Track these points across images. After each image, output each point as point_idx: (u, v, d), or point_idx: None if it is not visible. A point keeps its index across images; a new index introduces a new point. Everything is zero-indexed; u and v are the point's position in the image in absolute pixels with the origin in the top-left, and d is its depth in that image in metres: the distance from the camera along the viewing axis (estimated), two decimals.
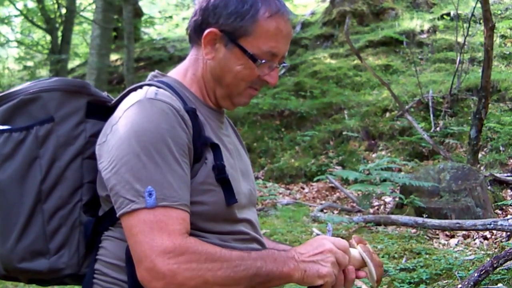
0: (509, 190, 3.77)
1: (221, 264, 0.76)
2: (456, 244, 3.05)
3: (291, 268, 0.80)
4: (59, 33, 9.24)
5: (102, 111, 0.88)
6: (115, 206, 0.78)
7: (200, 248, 0.76)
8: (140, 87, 0.85)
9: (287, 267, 0.79)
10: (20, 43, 10.76)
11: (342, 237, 0.89)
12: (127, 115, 0.80)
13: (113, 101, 0.89)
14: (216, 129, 0.88)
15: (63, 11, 9.35)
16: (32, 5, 10.00)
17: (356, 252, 0.88)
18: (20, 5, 9.87)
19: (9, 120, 0.85)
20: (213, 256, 0.76)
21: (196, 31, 0.88)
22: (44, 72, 10.37)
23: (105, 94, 0.93)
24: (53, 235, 0.83)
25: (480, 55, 5.65)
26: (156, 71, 0.92)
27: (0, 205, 0.82)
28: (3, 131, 0.84)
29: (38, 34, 11.18)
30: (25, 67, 10.47)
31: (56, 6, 9.45)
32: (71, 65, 10.66)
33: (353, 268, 0.85)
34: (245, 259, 0.78)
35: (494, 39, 4.02)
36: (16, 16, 10.15)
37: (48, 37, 9.80)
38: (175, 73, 0.91)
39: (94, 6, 8.23)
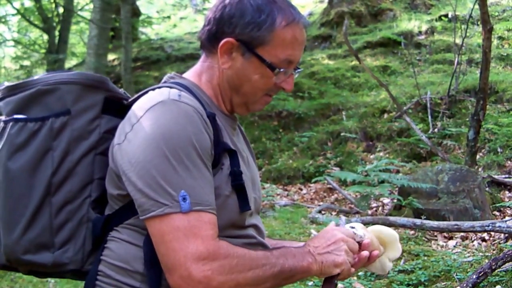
0: (507, 192, 3.78)
1: (250, 265, 0.78)
2: (454, 246, 3.05)
3: (309, 262, 0.83)
4: (57, 33, 9.20)
5: (117, 107, 0.87)
6: (140, 209, 0.77)
7: (231, 251, 0.77)
8: (159, 87, 0.85)
9: (306, 261, 0.83)
10: (17, 42, 10.71)
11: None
12: (150, 116, 0.79)
13: (130, 99, 0.88)
14: (231, 136, 0.89)
15: (61, 10, 9.31)
16: (29, 4, 9.96)
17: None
18: (17, 4, 9.83)
19: (25, 109, 0.84)
20: (243, 259, 0.78)
21: (210, 40, 0.88)
22: (41, 71, 10.32)
23: (121, 90, 0.92)
24: (60, 229, 0.82)
25: (477, 56, 5.66)
26: (173, 73, 0.92)
27: (9, 195, 0.81)
28: (18, 119, 0.83)
29: (35, 33, 11.13)
30: (22, 67, 10.42)
31: (53, 5, 9.41)
32: (68, 64, 10.61)
33: (367, 253, 0.88)
34: (269, 258, 0.80)
35: (492, 40, 4.02)
36: (13, 15, 10.10)
37: (45, 37, 9.76)
38: (190, 75, 0.91)
39: (91, 5, 8.19)
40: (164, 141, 0.76)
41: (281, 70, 0.86)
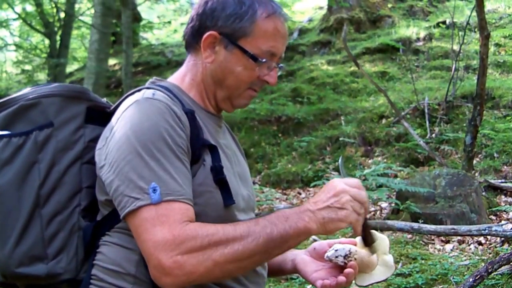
0: (503, 196, 3.81)
1: (226, 241, 0.74)
2: (451, 250, 3.08)
3: (306, 222, 0.76)
4: (58, 37, 9.25)
5: (101, 116, 0.89)
6: (119, 207, 0.78)
7: (201, 231, 0.74)
8: (138, 90, 0.87)
9: (302, 222, 0.76)
10: (18, 46, 10.75)
11: (340, 243, 0.89)
12: (125, 116, 0.82)
13: (112, 107, 0.90)
14: (213, 133, 0.89)
15: (62, 15, 9.37)
16: (30, 8, 10.01)
17: (364, 252, 0.87)
18: (18, 9, 9.88)
19: (10, 126, 0.86)
20: (216, 236, 0.74)
21: (194, 36, 0.89)
22: (42, 76, 10.36)
23: (104, 100, 0.94)
24: (51, 240, 0.83)
25: (475, 63, 5.71)
26: (154, 77, 0.93)
27: None
28: (2, 136, 0.85)
29: (36, 38, 11.17)
30: (23, 71, 10.46)
31: (55, 10, 9.47)
32: (69, 69, 10.65)
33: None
34: (252, 229, 0.75)
35: (489, 47, 4.07)
36: (14, 19, 10.15)
37: (47, 41, 9.80)
38: (173, 78, 0.93)
39: (93, 10, 8.26)
40: (136, 137, 0.77)
41: (263, 60, 0.86)
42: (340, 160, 0.90)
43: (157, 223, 0.74)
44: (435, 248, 3.11)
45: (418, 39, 7.06)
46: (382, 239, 0.89)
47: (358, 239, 0.89)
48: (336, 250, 0.86)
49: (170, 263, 0.72)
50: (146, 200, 0.75)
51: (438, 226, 3.06)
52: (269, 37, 0.86)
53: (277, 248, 0.76)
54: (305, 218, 0.77)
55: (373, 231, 0.88)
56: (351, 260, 0.85)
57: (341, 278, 0.84)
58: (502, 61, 6.05)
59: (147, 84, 0.91)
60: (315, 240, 1.30)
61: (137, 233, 0.76)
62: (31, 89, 0.89)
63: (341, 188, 0.78)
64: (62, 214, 0.84)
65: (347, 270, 0.83)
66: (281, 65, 0.92)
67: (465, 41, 5.38)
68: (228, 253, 0.74)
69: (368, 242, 0.85)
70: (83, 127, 0.88)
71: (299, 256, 0.95)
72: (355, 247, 0.87)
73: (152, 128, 0.78)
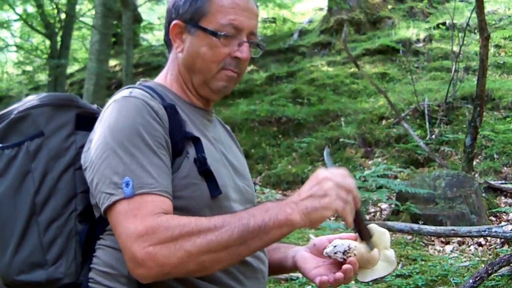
0: (503, 197, 3.81)
1: (199, 232, 0.73)
2: (451, 251, 3.08)
3: (288, 213, 0.73)
4: (59, 38, 9.27)
5: (91, 122, 0.89)
6: (99, 205, 0.79)
7: (172, 222, 0.73)
8: (119, 92, 0.88)
9: (283, 213, 0.73)
10: (19, 47, 10.77)
11: (340, 238, 0.87)
12: (103, 116, 0.83)
13: (101, 112, 0.91)
14: (200, 126, 0.89)
15: (63, 16, 9.38)
16: (31, 9, 10.04)
17: (362, 247, 0.84)
18: (19, 10, 9.91)
19: (4, 139, 0.89)
20: (188, 226, 0.73)
21: (166, 33, 0.93)
22: (43, 76, 10.38)
23: (94, 106, 0.96)
24: (50, 246, 0.84)
25: (475, 64, 5.72)
26: (142, 79, 0.95)
27: None
28: None
29: (37, 39, 11.19)
30: (24, 72, 10.48)
31: (55, 11, 9.49)
32: (70, 70, 10.67)
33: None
34: (227, 220, 0.74)
35: (489, 48, 4.08)
36: (15, 20, 10.17)
37: (48, 42, 9.82)
38: (158, 78, 0.95)
39: (93, 11, 8.27)
40: (112, 136, 0.79)
41: (223, 33, 0.86)
42: (325, 151, 0.86)
43: (130, 216, 0.74)
44: (435, 249, 3.12)
45: (418, 40, 7.07)
46: (382, 234, 0.86)
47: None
48: (334, 246, 0.85)
49: (142, 254, 0.72)
50: (120, 195, 0.75)
51: (438, 227, 3.07)
52: (227, 10, 0.86)
53: (256, 240, 0.74)
54: (287, 210, 0.74)
55: (372, 225, 0.85)
56: (350, 256, 0.83)
57: (339, 274, 0.82)
58: (502, 62, 6.06)
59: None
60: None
61: (114, 228, 0.77)
62: (22, 102, 0.92)
63: (323, 175, 0.75)
64: (59, 220, 0.85)
65: (345, 266, 0.82)
66: (262, 45, 0.90)
67: (465, 42, 5.39)
68: (200, 244, 0.72)
69: (364, 236, 0.82)
70: (74, 133, 0.89)
71: (299, 252, 0.94)
72: (355, 242, 0.84)
73: (128, 125, 0.79)
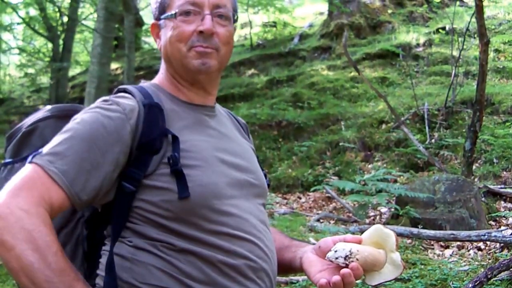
0: (502, 202, 3.82)
1: (39, 255, 0.70)
2: (450, 255, 3.08)
3: None
4: (61, 41, 9.32)
5: None
6: None
7: (34, 227, 0.71)
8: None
9: None
10: (21, 50, 10.83)
11: (344, 240, 0.86)
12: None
13: None
14: (193, 123, 0.88)
15: (65, 19, 9.44)
16: (34, 13, 10.10)
17: (368, 248, 0.83)
18: (22, 13, 9.97)
19: (18, 153, 0.94)
20: (36, 243, 0.70)
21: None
22: (45, 79, 10.42)
23: None
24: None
25: (474, 68, 5.75)
26: (142, 81, 0.97)
27: None
28: (6, 164, 0.93)
29: (39, 42, 11.26)
30: (26, 74, 10.52)
31: (58, 14, 9.55)
32: (72, 73, 10.72)
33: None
34: (63, 275, 0.71)
35: (488, 53, 4.10)
36: (18, 23, 10.24)
37: (50, 45, 9.88)
38: (154, 78, 0.97)
39: (95, 15, 8.32)
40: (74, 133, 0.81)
41: (177, 11, 0.87)
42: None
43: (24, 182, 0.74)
44: (434, 253, 3.12)
45: (418, 45, 7.10)
46: (388, 236, 0.83)
47: (364, 236, 0.85)
48: (335, 251, 0.82)
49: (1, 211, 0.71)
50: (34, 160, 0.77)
51: (438, 232, 3.07)
52: None
53: None
54: None
55: (378, 225, 0.84)
56: (352, 261, 0.81)
57: (336, 278, 0.80)
58: (501, 67, 6.08)
59: None
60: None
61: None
62: (30, 116, 0.97)
63: None
64: (68, 226, 0.87)
65: (343, 271, 0.80)
66: (221, 12, 0.88)
67: (464, 47, 5.41)
68: (23, 262, 0.70)
69: None
70: None
71: (306, 254, 0.92)
72: (358, 245, 0.82)
73: (86, 128, 0.81)
